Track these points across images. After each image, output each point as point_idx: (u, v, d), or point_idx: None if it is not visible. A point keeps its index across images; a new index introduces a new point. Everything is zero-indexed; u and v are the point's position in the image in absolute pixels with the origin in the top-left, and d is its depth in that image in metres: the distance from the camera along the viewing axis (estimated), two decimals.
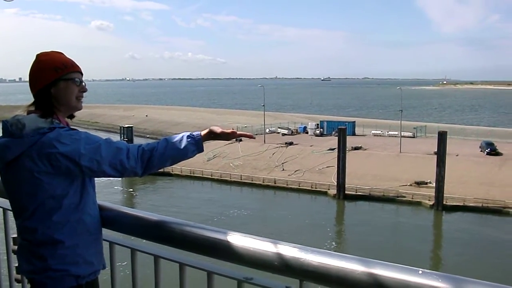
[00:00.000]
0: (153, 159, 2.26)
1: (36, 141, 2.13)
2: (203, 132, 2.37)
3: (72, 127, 2.30)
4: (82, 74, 2.39)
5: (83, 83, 2.39)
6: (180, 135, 2.34)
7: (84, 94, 2.40)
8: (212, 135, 2.38)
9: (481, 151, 54.96)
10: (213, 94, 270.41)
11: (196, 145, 2.33)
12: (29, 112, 2.29)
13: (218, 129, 2.39)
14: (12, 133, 2.16)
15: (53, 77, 2.29)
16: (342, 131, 50.23)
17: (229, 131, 2.42)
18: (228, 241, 1.91)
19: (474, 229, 37.68)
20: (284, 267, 1.75)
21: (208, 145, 2.41)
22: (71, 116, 2.42)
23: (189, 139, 2.32)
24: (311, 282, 1.75)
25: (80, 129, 2.25)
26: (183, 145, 2.31)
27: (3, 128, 2.21)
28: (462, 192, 43.04)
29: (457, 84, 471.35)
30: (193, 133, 2.35)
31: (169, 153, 2.29)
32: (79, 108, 2.40)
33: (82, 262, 2.26)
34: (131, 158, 2.21)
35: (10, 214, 2.72)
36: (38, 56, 2.35)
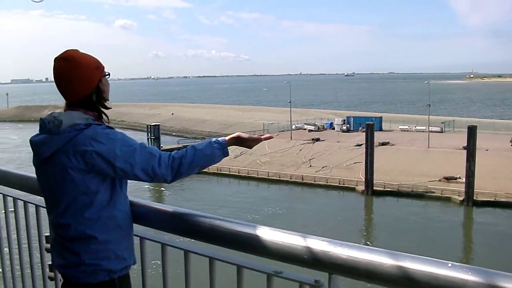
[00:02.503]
0: (182, 167, 2.30)
1: (72, 137, 2.18)
2: (227, 138, 2.44)
3: (108, 125, 2.33)
4: None
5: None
6: (207, 141, 2.40)
7: (110, 92, 2.45)
8: (238, 141, 2.46)
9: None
10: (237, 91, 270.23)
11: (222, 150, 2.39)
12: (65, 110, 2.33)
13: (244, 135, 2.47)
14: (49, 130, 2.22)
15: (99, 75, 2.35)
16: (370, 127, 49.80)
17: (255, 136, 2.49)
18: (257, 235, 1.92)
19: (507, 225, 36.92)
20: (313, 260, 1.75)
21: None
22: None
23: (215, 145, 2.38)
24: (340, 275, 1.75)
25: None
26: (210, 151, 2.37)
27: (40, 126, 2.27)
28: (493, 187, 42.23)
29: (485, 77, 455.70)
30: (218, 139, 2.41)
31: (197, 160, 2.34)
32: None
33: (114, 257, 2.30)
34: (162, 165, 2.26)
35: (43, 212, 2.78)
36: (71, 56, 2.30)
